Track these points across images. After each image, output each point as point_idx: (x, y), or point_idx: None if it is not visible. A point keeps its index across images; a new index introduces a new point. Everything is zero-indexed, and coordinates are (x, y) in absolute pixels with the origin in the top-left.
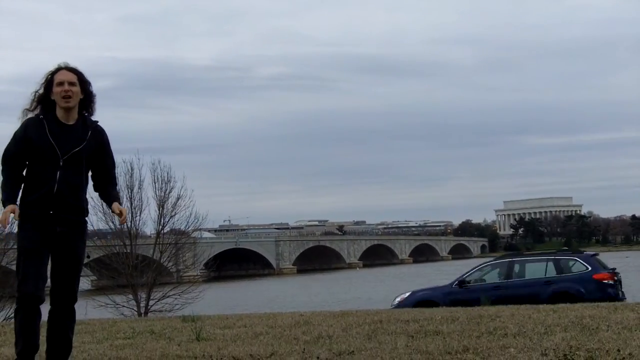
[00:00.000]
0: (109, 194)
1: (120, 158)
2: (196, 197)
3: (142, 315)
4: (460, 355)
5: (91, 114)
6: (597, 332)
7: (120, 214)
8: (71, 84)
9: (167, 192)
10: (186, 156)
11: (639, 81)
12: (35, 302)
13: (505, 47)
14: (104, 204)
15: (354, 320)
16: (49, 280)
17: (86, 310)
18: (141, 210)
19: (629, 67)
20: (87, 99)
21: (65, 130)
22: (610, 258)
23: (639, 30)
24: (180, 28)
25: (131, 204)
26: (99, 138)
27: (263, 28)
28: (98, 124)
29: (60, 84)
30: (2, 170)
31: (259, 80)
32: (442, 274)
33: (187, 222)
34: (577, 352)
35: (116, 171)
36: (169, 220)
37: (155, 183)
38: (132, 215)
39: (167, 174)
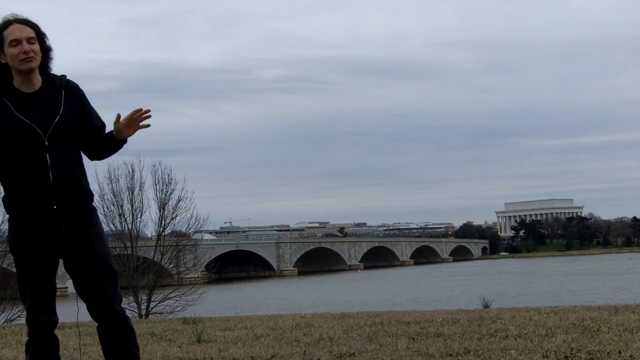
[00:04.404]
0: (105, 135)
1: (121, 160)
2: (197, 199)
3: (143, 317)
4: (461, 357)
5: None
6: (598, 334)
7: (134, 113)
8: (29, 41)
9: (168, 194)
10: (187, 158)
11: (639, 83)
12: (49, 331)
13: (506, 49)
14: (106, 206)
15: (354, 322)
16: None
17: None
18: (142, 212)
19: (629, 69)
20: (46, 57)
21: (33, 101)
22: (613, 260)
23: (638, 33)
24: (181, 30)
25: (132, 205)
26: (77, 95)
27: (264, 31)
28: (67, 78)
29: (17, 42)
30: None
31: (259, 83)
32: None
33: (188, 224)
34: (578, 354)
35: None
36: (169, 222)
37: (156, 185)
38: (132, 217)
39: (168, 176)
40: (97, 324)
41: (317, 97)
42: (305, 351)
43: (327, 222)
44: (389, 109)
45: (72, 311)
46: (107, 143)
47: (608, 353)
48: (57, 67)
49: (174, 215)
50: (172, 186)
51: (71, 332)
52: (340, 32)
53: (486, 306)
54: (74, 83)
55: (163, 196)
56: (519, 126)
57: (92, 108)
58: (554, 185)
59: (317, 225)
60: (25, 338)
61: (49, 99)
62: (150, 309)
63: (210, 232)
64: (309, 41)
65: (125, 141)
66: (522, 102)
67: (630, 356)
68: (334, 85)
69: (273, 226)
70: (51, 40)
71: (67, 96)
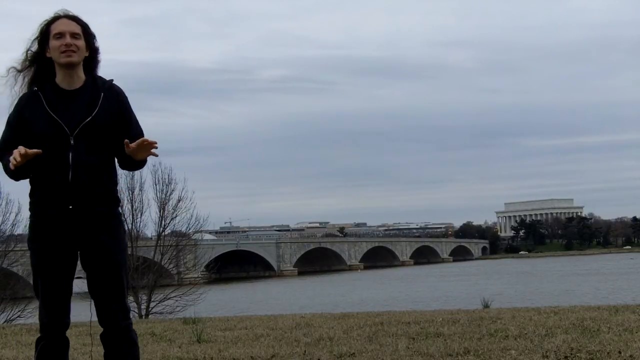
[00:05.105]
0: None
1: None
2: (197, 199)
3: (143, 317)
4: (461, 357)
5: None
6: (598, 334)
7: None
8: (74, 35)
9: (168, 194)
10: (187, 158)
11: (638, 83)
12: (59, 331)
13: (506, 49)
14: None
15: (354, 322)
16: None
17: (91, 312)
18: (142, 213)
19: (628, 69)
20: (93, 58)
21: (69, 99)
22: (613, 260)
23: (638, 33)
24: (181, 31)
25: (132, 206)
26: (117, 100)
27: (264, 31)
28: (113, 82)
29: (60, 35)
30: (2, 166)
31: (260, 83)
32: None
33: (188, 224)
34: (578, 354)
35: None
36: (169, 222)
37: (156, 185)
38: (132, 217)
39: (168, 176)
40: (103, 335)
41: (317, 97)
42: (305, 351)
43: (327, 222)
44: (389, 109)
45: (74, 312)
46: (128, 158)
47: (608, 353)
48: None
49: (174, 215)
50: (172, 186)
51: (71, 332)
52: (340, 32)
53: (486, 306)
54: (119, 88)
55: (163, 196)
56: (519, 126)
57: (132, 116)
58: (554, 185)
59: (317, 225)
60: (25, 338)
61: (86, 99)
62: (150, 309)
63: (210, 232)
64: (309, 41)
65: (144, 161)
66: (522, 102)
67: (630, 356)
68: (334, 85)
69: (273, 226)
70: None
71: (106, 99)
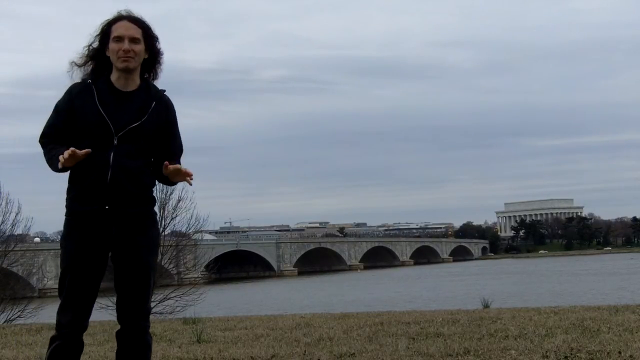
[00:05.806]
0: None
1: None
2: (197, 199)
3: None
4: (461, 358)
5: (154, 79)
6: (598, 334)
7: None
8: (133, 40)
9: (167, 194)
10: (187, 158)
11: (638, 83)
12: (77, 333)
13: (505, 49)
14: None
15: (354, 322)
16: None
17: None
18: None
19: (628, 69)
20: (152, 60)
21: (121, 100)
22: (614, 260)
23: (638, 33)
24: (182, 31)
25: None
26: (166, 112)
27: (264, 31)
28: (165, 93)
29: (119, 39)
30: (44, 153)
31: (260, 83)
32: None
33: (188, 224)
34: (578, 354)
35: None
36: (169, 222)
37: (156, 185)
38: None
39: None
40: (120, 332)
41: (317, 97)
42: (305, 351)
43: (327, 222)
44: (389, 109)
45: None
46: (162, 176)
47: (608, 353)
48: (58, 69)
49: (174, 216)
50: (172, 186)
51: None
52: (340, 32)
53: (486, 306)
54: (169, 99)
55: (163, 196)
56: (519, 126)
57: (176, 130)
58: (554, 185)
59: (317, 225)
60: (25, 338)
61: (137, 104)
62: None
63: (210, 232)
64: (309, 41)
65: (175, 184)
66: (522, 102)
67: (630, 356)
68: (334, 85)
69: (273, 226)
70: (54, 41)
71: (156, 108)
